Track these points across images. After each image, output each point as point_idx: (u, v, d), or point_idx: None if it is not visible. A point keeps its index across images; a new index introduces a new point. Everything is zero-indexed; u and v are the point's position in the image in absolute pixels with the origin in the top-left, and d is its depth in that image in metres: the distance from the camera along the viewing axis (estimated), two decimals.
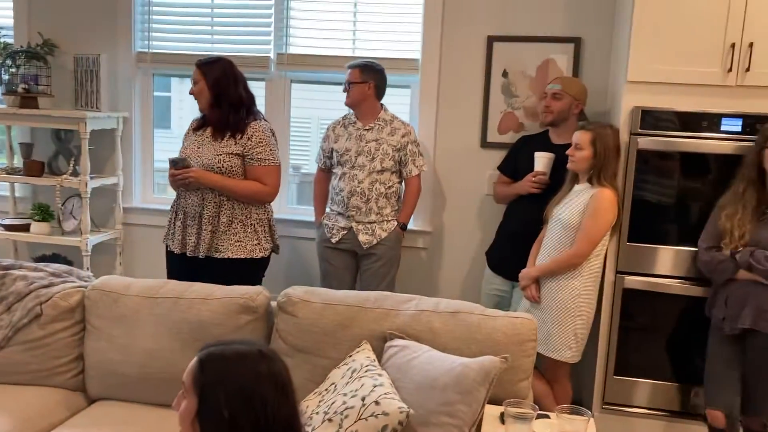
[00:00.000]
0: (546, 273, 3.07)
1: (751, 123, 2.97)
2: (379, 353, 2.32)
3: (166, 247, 3.37)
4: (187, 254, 3.26)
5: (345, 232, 3.57)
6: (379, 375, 2.15)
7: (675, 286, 3.14)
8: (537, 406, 1.97)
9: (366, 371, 2.18)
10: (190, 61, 3.45)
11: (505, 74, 3.79)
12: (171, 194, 3.51)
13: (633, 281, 3.18)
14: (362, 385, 2.10)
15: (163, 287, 2.63)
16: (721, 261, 2.79)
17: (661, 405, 3.24)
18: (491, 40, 3.78)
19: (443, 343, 2.31)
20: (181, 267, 3.27)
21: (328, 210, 3.70)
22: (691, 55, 3.01)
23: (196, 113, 3.41)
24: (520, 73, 3.76)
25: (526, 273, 3.15)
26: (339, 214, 3.60)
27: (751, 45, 2.94)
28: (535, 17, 3.72)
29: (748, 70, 2.96)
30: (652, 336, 3.22)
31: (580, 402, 3.24)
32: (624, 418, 3.25)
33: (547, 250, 3.13)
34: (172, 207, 3.36)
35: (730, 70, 2.98)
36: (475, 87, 3.84)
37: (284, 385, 1.36)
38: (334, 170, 3.65)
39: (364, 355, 2.29)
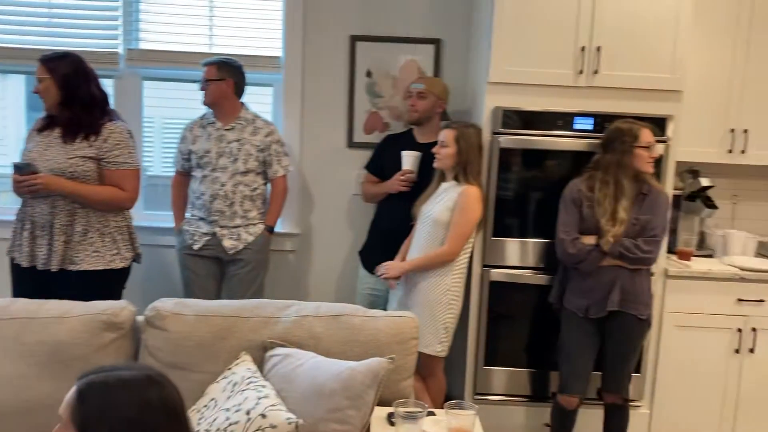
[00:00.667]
0: (418, 268, 3.10)
1: (601, 122, 3.17)
2: (260, 364, 2.22)
3: (12, 260, 3.03)
4: (38, 268, 2.94)
5: (208, 238, 3.41)
6: (263, 386, 2.06)
7: (535, 276, 3.30)
8: (426, 405, 1.97)
9: (248, 383, 2.08)
10: (22, 56, 3.12)
11: (369, 74, 3.79)
12: (14, 202, 3.15)
13: (498, 274, 3.30)
14: (246, 399, 2.00)
15: (11, 306, 2.35)
16: (589, 251, 2.95)
17: (528, 391, 3.39)
18: (354, 39, 3.77)
19: (326, 347, 2.25)
20: (31, 282, 2.95)
21: (188, 215, 3.51)
22: (546, 58, 3.17)
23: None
24: (384, 73, 3.78)
25: (397, 265, 3.15)
26: (201, 219, 3.43)
27: (599, 49, 3.15)
28: (397, 18, 3.76)
29: (596, 72, 3.17)
30: (520, 326, 3.37)
31: (450, 395, 3.32)
32: (495, 407, 3.36)
33: (417, 247, 3.17)
34: (17, 216, 3.03)
35: (581, 72, 3.17)
36: (340, 86, 3.81)
37: (177, 412, 1.23)
38: (193, 173, 3.47)
39: (244, 366, 2.18)
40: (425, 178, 3.28)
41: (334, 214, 3.90)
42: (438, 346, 3.12)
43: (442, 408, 1.99)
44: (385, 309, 3.26)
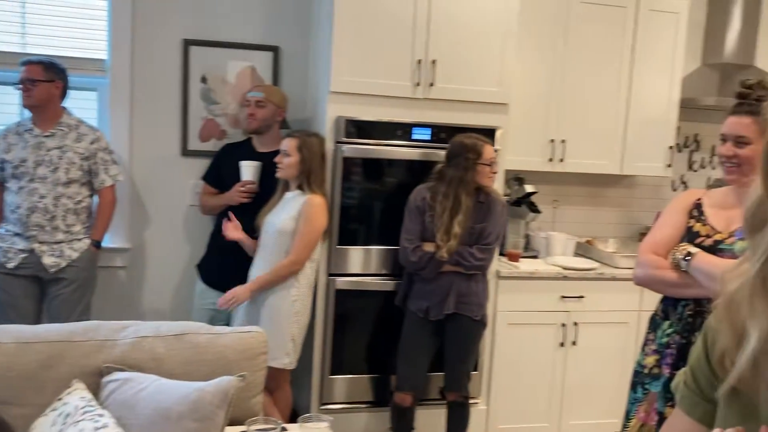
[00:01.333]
0: (266, 285, 3.03)
1: (438, 132, 3.30)
2: (95, 391, 2.04)
3: None
4: None
5: (25, 255, 3.11)
6: (100, 416, 1.89)
7: (383, 283, 3.35)
8: (278, 420, 1.92)
9: (83, 414, 1.90)
10: None
11: (204, 80, 3.65)
12: None
13: (343, 282, 3.31)
14: (81, 431, 1.82)
15: None
16: (430, 258, 3.04)
17: (372, 397, 3.43)
18: (187, 43, 3.61)
19: (170, 369, 2.12)
20: None
21: (1, 231, 3.17)
22: (386, 70, 3.24)
23: None
24: (220, 80, 3.66)
25: (244, 290, 3.02)
26: (16, 234, 3.12)
27: (434, 62, 3.27)
28: (233, 23, 3.65)
29: (432, 84, 3.28)
30: (366, 333, 3.40)
31: (295, 406, 3.28)
32: (339, 416, 3.36)
33: (262, 259, 3.10)
34: None
35: (418, 84, 3.27)
36: (173, 92, 3.63)
37: None
38: (6, 184, 3.14)
39: (77, 395, 1.99)
40: (266, 189, 3.22)
41: (168, 226, 3.70)
42: (286, 358, 3.06)
43: (291, 422, 1.95)
44: (227, 324, 3.15)
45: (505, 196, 3.77)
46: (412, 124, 3.29)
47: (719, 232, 2.04)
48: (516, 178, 3.86)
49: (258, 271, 3.10)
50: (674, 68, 3.88)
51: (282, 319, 3.04)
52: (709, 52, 4.21)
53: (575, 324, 3.61)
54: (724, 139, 2.05)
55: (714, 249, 2.00)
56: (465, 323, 3.07)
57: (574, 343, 3.63)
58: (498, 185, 3.40)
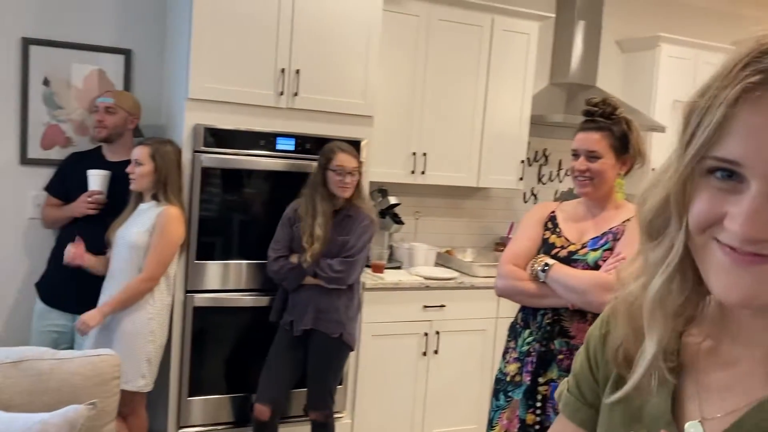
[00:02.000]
0: (119, 306, 2.82)
1: (302, 143, 3.25)
2: None
3: None
4: None
5: None
6: None
7: (245, 299, 3.24)
8: None
9: None
10: None
11: (46, 82, 3.36)
12: None
13: (203, 299, 3.17)
14: None
15: None
16: (290, 269, 2.98)
17: (233, 417, 3.30)
18: (27, 42, 3.31)
19: (6, 400, 1.92)
20: None
21: None
22: (249, 77, 3.14)
23: None
24: (65, 83, 3.39)
25: (94, 315, 2.79)
26: None
27: (298, 71, 3.22)
28: (80, 22, 3.40)
29: (296, 94, 3.23)
30: (227, 351, 3.26)
31: (152, 431, 3.08)
32: None
33: (115, 277, 2.89)
34: None
35: (282, 93, 3.20)
36: (10, 94, 3.31)
37: None
38: None
39: None
40: (117, 201, 3.01)
41: (5, 240, 3.36)
42: (141, 381, 2.87)
43: None
44: (72, 348, 2.92)
45: None
46: (276, 134, 3.22)
47: (573, 243, 2.14)
48: (380, 190, 3.89)
49: (110, 289, 2.89)
50: (525, 86, 4.09)
51: (137, 339, 2.86)
52: (556, 72, 4.48)
53: (437, 333, 3.68)
54: (576, 154, 2.16)
55: (569, 260, 2.10)
56: (323, 340, 3.01)
57: (436, 351, 3.70)
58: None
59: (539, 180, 4.62)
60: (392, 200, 3.86)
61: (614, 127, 2.14)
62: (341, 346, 3.06)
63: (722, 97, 0.59)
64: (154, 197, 2.94)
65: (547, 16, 4.12)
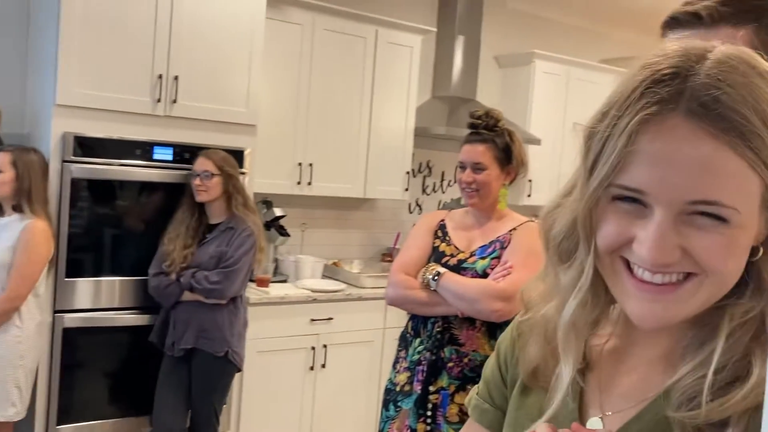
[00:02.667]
0: None
1: (181, 152, 3.11)
2: None
3: None
4: None
5: None
6: None
7: (121, 318, 3.04)
8: None
9: None
10: None
11: None
12: None
13: (74, 319, 2.95)
14: None
15: None
16: (168, 285, 2.85)
17: None
18: None
19: None
20: None
21: None
22: (123, 83, 2.97)
23: None
24: None
25: None
26: None
27: (176, 78, 3.08)
28: None
29: (175, 101, 3.09)
30: (103, 374, 3.05)
31: None
32: None
33: None
34: None
35: (159, 100, 3.05)
36: None
37: None
38: None
39: None
40: None
41: None
42: (11, 409, 2.64)
43: None
44: None
45: None
46: (153, 143, 3.06)
47: (462, 252, 2.17)
48: (264, 201, 3.80)
49: None
50: (409, 99, 4.14)
51: (4, 365, 2.62)
52: (438, 86, 4.57)
53: (324, 346, 3.63)
54: (462, 166, 2.20)
55: (458, 268, 2.12)
56: (207, 360, 2.88)
57: (323, 365, 3.64)
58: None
59: (423, 191, 4.69)
60: (277, 212, 3.77)
61: (497, 138, 2.19)
62: (227, 366, 2.93)
63: (622, 126, 0.60)
64: (17, 209, 2.71)
65: (429, 30, 4.21)
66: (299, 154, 3.77)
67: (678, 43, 0.63)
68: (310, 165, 3.80)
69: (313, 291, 3.63)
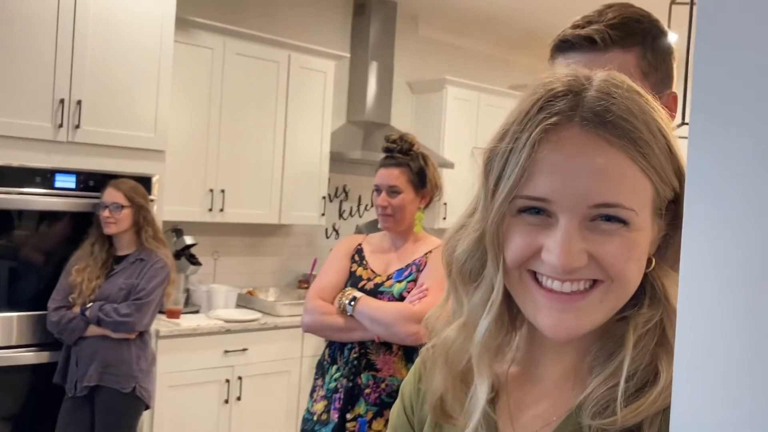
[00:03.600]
0: None
1: (85, 180, 2.97)
2: None
3: None
4: None
5: None
6: None
7: (17, 356, 2.85)
8: None
9: None
10: None
11: None
12: None
13: None
14: None
15: None
16: (71, 319, 2.70)
17: None
18: None
19: None
20: None
21: None
22: (22, 108, 2.81)
23: None
24: None
25: None
26: None
27: (79, 102, 2.95)
28: None
29: (78, 126, 2.95)
30: (2, 418, 2.84)
31: None
32: None
33: None
34: None
35: (61, 125, 2.91)
36: None
37: None
38: None
39: None
40: None
41: None
42: None
43: None
44: None
45: None
46: (55, 170, 2.91)
47: (378, 275, 2.15)
48: (174, 230, 3.67)
49: None
50: (324, 123, 4.13)
51: None
52: (353, 111, 4.59)
53: (239, 378, 3.51)
54: (378, 189, 2.19)
55: (375, 292, 2.10)
56: (113, 397, 2.72)
57: (238, 398, 3.52)
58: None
59: (340, 215, 4.67)
60: (188, 240, 3.65)
61: (412, 162, 2.20)
62: (134, 402, 2.78)
63: (524, 139, 0.63)
64: None
65: (342, 56, 4.22)
66: (210, 179, 3.67)
67: (566, 68, 0.68)
68: (222, 191, 3.71)
69: (227, 321, 3.52)
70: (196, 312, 3.69)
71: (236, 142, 3.76)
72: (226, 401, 3.49)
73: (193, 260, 3.71)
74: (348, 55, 4.40)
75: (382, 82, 4.57)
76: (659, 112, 0.65)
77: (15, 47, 2.79)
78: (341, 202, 4.66)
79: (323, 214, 4.17)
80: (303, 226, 4.36)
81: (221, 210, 3.72)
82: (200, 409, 3.41)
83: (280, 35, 3.95)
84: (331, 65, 4.14)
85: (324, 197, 4.16)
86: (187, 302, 3.75)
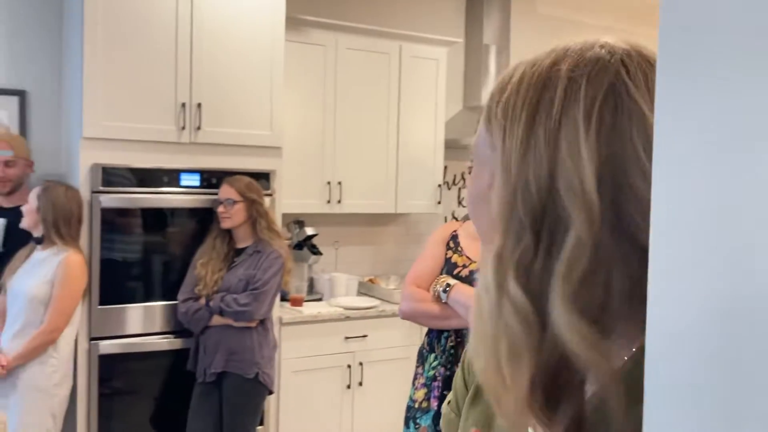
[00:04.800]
0: (22, 360, 2.67)
1: (208, 178, 3.17)
2: None
3: None
4: None
5: None
6: None
7: (155, 343, 3.10)
8: None
9: None
10: None
11: None
12: None
13: (109, 345, 3.02)
14: None
15: None
16: (197, 310, 2.90)
17: None
18: None
19: None
20: None
21: None
22: (146, 113, 3.05)
23: None
24: None
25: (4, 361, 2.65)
26: None
27: (199, 105, 3.15)
28: None
29: (199, 128, 3.16)
30: (139, 400, 3.12)
31: None
32: None
33: (12, 327, 2.73)
34: None
35: (184, 127, 3.12)
36: None
37: None
38: None
39: None
40: (15, 248, 2.86)
41: None
42: None
43: None
44: None
45: (286, 240, 3.71)
46: (180, 170, 3.13)
47: (474, 262, 2.13)
48: (296, 221, 3.83)
49: (7, 342, 2.72)
50: (437, 111, 4.12)
51: (39, 394, 2.70)
52: (469, 96, 4.54)
53: (360, 364, 3.61)
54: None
55: (470, 279, 2.08)
56: (237, 382, 2.89)
57: (360, 383, 3.62)
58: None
59: (459, 203, 4.64)
60: (309, 231, 3.80)
61: None
62: (257, 387, 2.94)
63: None
64: (49, 242, 2.80)
65: (455, 42, 4.18)
66: (328, 172, 3.79)
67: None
68: (339, 183, 3.81)
69: (346, 308, 3.63)
70: (319, 300, 3.83)
71: (351, 135, 3.85)
72: (348, 386, 3.60)
73: (315, 250, 3.85)
74: (461, 40, 4.35)
75: (498, 65, 4.48)
76: None
77: (138, 57, 3.03)
78: (459, 189, 4.63)
79: (439, 202, 4.17)
80: (420, 215, 4.38)
81: (339, 201, 3.83)
82: (323, 394, 3.55)
83: (392, 27, 3.98)
84: (443, 52, 4.11)
85: (440, 185, 4.16)
86: (311, 290, 3.90)
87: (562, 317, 0.54)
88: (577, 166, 0.55)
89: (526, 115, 0.59)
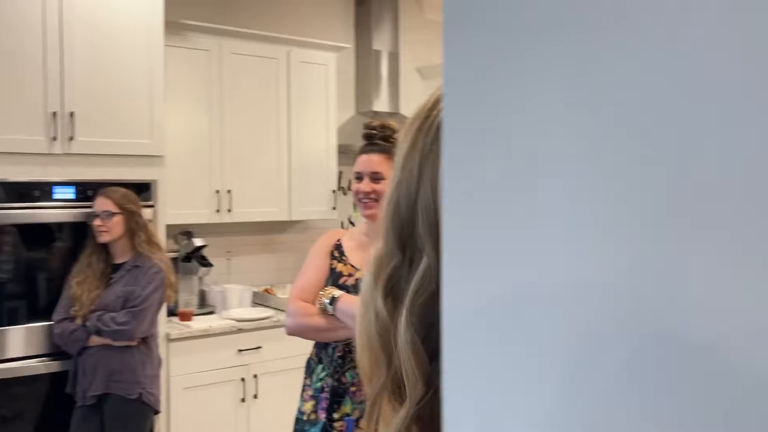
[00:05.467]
0: None
1: (83, 190, 3.00)
2: None
3: None
4: None
5: None
6: None
7: (31, 367, 2.91)
8: None
9: None
10: None
11: None
12: None
13: None
14: None
15: None
16: (73, 330, 2.74)
17: None
18: None
19: None
20: None
21: None
22: (14, 123, 2.86)
23: None
24: None
25: None
26: None
27: (72, 114, 2.98)
28: None
29: (72, 138, 2.99)
30: (14, 428, 2.91)
31: None
32: None
33: None
34: None
35: (55, 138, 2.95)
36: None
37: None
38: None
39: None
40: None
41: None
42: None
43: None
44: None
45: (174, 252, 3.58)
46: (52, 182, 2.95)
47: (359, 270, 2.11)
48: (184, 233, 3.70)
49: None
50: (329, 116, 4.09)
51: None
52: (361, 102, 4.54)
53: (255, 376, 3.53)
54: (359, 176, 2.15)
55: (357, 288, 2.06)
56: (120, 404, 2.76)
57: (255, 396, 3.54)
58: (163, 241, 3.21)
59: (355, 208, 4.63)
60: (198, 242, 3.67)
61: (393, 149, 2.15)
62: (141, 408, 2.81)
63: None
64: None
65: (343, 47, 4.17)
66: (216, 181, 3.68)
67: None
68: (229, 191, 3.71)
69: (238, 320, 3.54)
70: (211, 313, 3.72)
71: (241, 141, 3.76)
72: (243, 400, 3.51)
73: (204, 262, 3.73)
74: (350, 45, 4.34)
75: (390, 71, 4.51)
76: None
77: (2, 64, 2.83)
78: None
79: (334, 208, 4.14)
80: (318, 221, 4.34)
81: (229, 210, 3.73)
82: (218, 410, 3.44)
83: (280, 32, 3.92)
84: (333, 57, 4.09)
85: (335, 191, 4.13)
86: (202, 303, 3.78)
87: (403, 335, 0.56)
88: (433, 193, 0.56)
89: (412, 134, 0.59)
